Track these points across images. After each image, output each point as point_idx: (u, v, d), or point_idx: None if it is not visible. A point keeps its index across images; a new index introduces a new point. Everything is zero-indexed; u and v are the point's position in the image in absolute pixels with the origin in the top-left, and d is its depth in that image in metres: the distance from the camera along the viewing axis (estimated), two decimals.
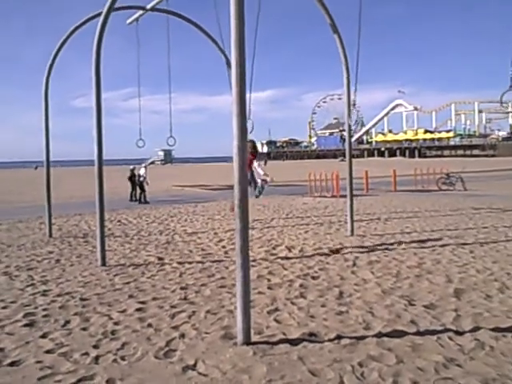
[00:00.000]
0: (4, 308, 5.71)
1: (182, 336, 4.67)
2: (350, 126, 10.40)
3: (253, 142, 11.81)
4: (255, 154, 12.01)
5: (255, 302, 5.55)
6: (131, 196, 20.35)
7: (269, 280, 6.77)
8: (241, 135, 4.45)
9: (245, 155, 4.48)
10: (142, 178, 19.80)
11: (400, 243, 9.09)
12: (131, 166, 21.35)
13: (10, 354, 4.33)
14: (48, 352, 4.34)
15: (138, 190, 19.98)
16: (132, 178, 20.59)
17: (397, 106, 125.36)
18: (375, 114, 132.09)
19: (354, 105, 10.44)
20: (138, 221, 13.55)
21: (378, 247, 8.88)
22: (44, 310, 5.62)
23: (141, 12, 11.27)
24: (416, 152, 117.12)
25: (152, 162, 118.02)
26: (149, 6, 11.01)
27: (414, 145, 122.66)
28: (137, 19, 11.45)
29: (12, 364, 4.10)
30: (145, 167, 20.47)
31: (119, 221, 13.61)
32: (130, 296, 6.10)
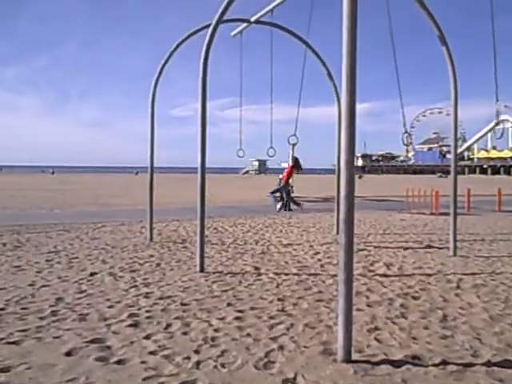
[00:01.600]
0: (110, 307, 5.96)
1: (281, 348, 4.63)
2: (456, 140, 9.98)
3: (296, 159, 11.96)
4: (297, 169, 12.13)
5: (354, 319, 5.39)
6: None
7: (367, 297, 6.60)
8: (349, 149, 4.37)
9: (353, 169, 4.40)
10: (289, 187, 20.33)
11: None
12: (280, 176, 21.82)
13: (117, 352, 4.50)
14: (152, 353, 4.47)
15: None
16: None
17: (502, 121, 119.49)
18: (478, 130, 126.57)
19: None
20: (233, 229, 13.75)
21: (484, 270, 8.41)
22: (147, 311, 5.81)
23: (245, 25, 11.51)
24: None
25: (246, 172, 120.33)
26: (253, 19, 11.23)
27: None
28: (241, 31, 11.71)
29: (119, 362, 4.26)
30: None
31: (215, 228, 13.89)
32: (229, 304, 6.17)
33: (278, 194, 17.84)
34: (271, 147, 11.83)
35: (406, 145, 6.98)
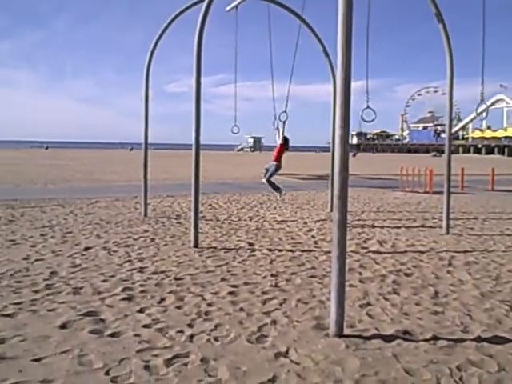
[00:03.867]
0: (104, 281, 5.99)
1: (274, 322, 4.68)
2: (450, 119, 9.97)
3: (286, 138, 11.91)
4: (286, 149, 12.10)
5: (347, 295, 5.43)
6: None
7: (360, 273, 6.65)
8: (344, 125, 4.36)
9: (347, 146, 4.39)
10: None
11: None
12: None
13: (111, 325, 4.53)
14: (145, 326, 4.50)
15: None
16: None
17: (497, 101, 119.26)
18: (473, 109, 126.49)
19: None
20: (228, 206, 13.78)
21: (476, 248, 8.48)
22: (141, 285, 5.84)
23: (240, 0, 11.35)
24: None
25: (241, 149, 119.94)
26: None
27: None
28: (236, 6, 11.54)
29: (112, 335, 4.29)
30: None
31: (210, 204, 13.91)
32: (223, 279, 6.21)
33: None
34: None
35: (365, 121, 6.78)
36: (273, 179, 12.40)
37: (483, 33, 8.78)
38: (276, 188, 12.51)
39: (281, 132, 11.92)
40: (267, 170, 12.28)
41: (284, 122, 11.53)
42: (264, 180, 12.45)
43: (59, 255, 7.32)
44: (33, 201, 13.74)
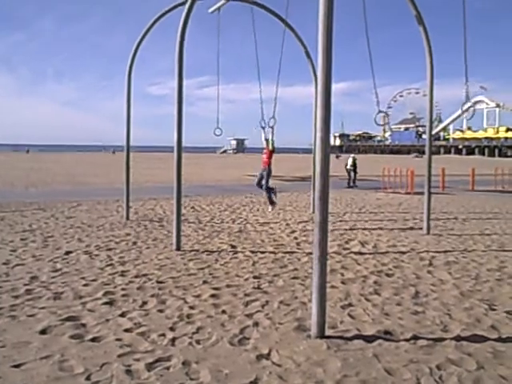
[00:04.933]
0: (85, 285, 5.95)
1: (256, 324, 4.69)
2: (431, 120, 10.07)
3: (272, 141, 12.09)
4: (272, 152, 12.30)
5: (328, 296, 5.47)
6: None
7: (342, 274, 6.69)
8: (325, 127, 4.39)
9: (328, 147, 4.42)
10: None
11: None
12: (352, 155, 24.36)
13: (92, 329, 4.50)
14: (127, 331, 4.48)
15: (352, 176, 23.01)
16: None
17: (477, 102, 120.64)
18: (454, 110, 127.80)
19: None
20: (210, 208, 13.76)
21: (456, 248, 8.57)
22: (122, 289, 5.81)
23: (223, 1, 11.36)
24: (496, 151, 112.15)
25: (224, 151, 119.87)
26: None
27: (494, 143, 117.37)
28: (219, 8, 11.55)
29: (93, 340, 4.26)
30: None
31: (192, 207, 13.88)
32: (205, 282, 6.20)
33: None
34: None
35: (380, 125, 6.96)
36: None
37: (464, 35, 8.86)
38: (272, 202, 12.68)
39: (270, 138, 11.99)
40: (261, 176, 12.39)
41: (272, 128, 11.57)
42: (264, 189, 12.56)
43: (40, 260, 7.25)
44: (13, 204, 13.59)
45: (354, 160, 23.35)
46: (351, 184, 22.67)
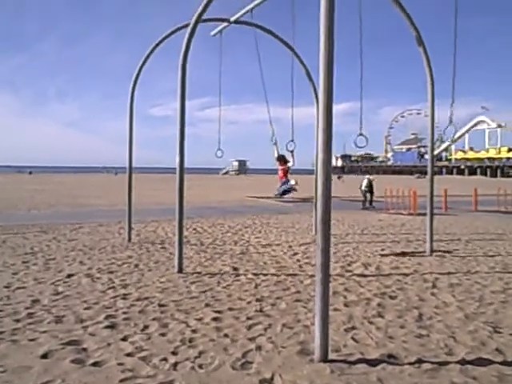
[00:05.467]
0: (87, 309, 5.92)
1: (259, 348, 4.65)
2: (432, 141, 10.10)
3: (284, 156, 12.71)
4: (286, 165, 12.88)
5: (331, 319, 5.44)
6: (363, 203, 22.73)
7: (345, 297, 6.65)
8: (326, 148, 4.41)
9: (330, 168, 4.43)
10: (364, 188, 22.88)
11: None
12: (371, 177, 23.80)
13: (93, 354, 4.47)
14: (129, 355, 4.45)
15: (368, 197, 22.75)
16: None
17: (479, 122, 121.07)
18: (455, 131, 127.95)
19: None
20: (212, 230, 13.74)
21: (459, 269, 8.53)
22: (124, 313, 5.78)
23: (225, 24, 11.48)
24: (498, 171, 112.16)
25: (226, 172, 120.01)
26: (233, 19, 11.20)
27: (496, 163, 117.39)
28: (221, 31, 11.68)
29: (95, 364, 4.23)
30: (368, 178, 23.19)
31: (194, 229, 13.86)
32: (207, 305, 6.17)
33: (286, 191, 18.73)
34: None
35: (360, 147, 6.98)
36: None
37: (454, 59, 8.91)
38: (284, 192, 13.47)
39: (291, 159, 12.57)
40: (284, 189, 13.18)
41: (292, 152, 12.02)
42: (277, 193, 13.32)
43: (41, 283, 7.22)
44: (15, 227, 13.59)
45: (370, 181, 23.08)
46: (367, 205, 22.51)
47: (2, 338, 4.82)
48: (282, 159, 12.80)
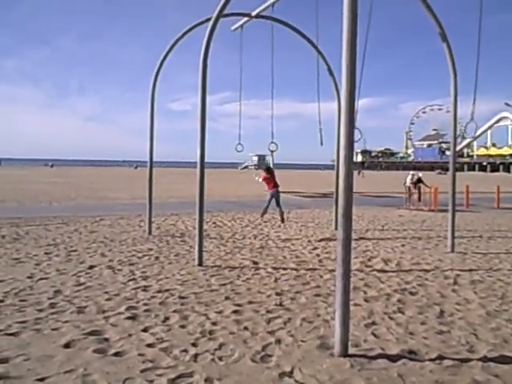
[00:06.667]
0: (108, 300, 5.98)
1: (278, 342, 4.65)
2: (455, 137, 9.99)
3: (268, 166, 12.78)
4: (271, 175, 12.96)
5: (352, 314, 5.41)
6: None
7: (365, 292, 6.62)
8: (348, 144, 4.38)
9: (351, 164, 4.41)
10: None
11: None
12: (420, 174, 22.94)
13: (115, 344, 4.52)
14: (149, 346, 4.49)
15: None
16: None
17: (502, 118, 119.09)
18: (476, 127, 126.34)
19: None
20: (232, 224, 13.77)
21: (481, 266, 8.43)
22: (145, 304, 5.83)
23: (246, 19, 11.47)
24: None
25: (246, 167, 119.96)
26: (254, 13, 11.18)
27: None
28: (241, 26, 11.66)
29: (116, 354, 4.27)
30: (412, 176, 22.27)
31: (214, 222, 13.91)
32: (227, 298, 6.19)
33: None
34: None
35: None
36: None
37: (478, 57, 8.80)
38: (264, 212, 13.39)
39: (271, 162, 12.56)
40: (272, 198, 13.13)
41: (272, 152, 12.00)
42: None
43: (63, 274, 7.32)
44: (37, 219, 13.77)
45: (419, 178, 22.14)
46: (411, 202, 21.66)
47: (25, 327, 4.90)
48: (268, 170, 13.51)
